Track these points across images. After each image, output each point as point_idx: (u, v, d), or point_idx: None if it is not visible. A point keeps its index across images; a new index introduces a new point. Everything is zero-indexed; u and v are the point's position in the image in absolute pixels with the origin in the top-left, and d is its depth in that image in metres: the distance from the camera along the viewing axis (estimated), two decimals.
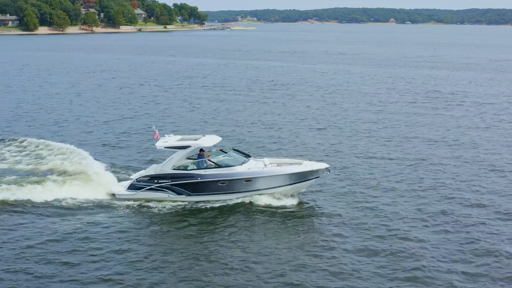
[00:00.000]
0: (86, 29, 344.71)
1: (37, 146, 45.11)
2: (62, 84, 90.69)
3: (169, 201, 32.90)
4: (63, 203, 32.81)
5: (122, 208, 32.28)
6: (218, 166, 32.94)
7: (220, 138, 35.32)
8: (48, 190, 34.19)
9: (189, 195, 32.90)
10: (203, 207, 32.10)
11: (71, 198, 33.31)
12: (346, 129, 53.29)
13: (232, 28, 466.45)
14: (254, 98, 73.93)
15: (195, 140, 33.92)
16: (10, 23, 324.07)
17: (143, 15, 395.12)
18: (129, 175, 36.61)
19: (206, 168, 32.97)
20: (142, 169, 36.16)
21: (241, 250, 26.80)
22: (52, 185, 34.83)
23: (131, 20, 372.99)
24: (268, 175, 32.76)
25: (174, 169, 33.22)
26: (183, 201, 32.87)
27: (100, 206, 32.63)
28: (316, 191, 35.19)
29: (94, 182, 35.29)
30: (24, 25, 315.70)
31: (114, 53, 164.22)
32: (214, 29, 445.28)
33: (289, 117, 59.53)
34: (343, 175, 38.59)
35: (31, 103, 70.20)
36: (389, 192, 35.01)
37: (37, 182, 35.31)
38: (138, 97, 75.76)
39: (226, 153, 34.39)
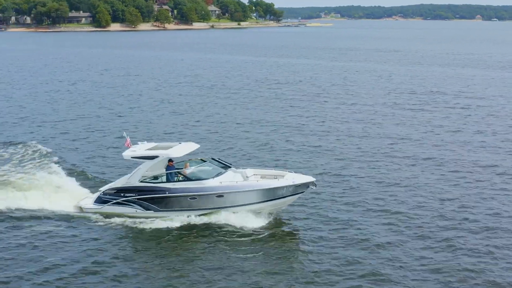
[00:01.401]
0: (158, 26, 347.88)
1: (14, 150, 44.38)
2: (78, 83, 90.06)
3: (137, 216, 29.98)
4: (26, 215, 30.77)
5: (85, 223, 29.87)
6: (188, 179, 29.82)
7: (198, 146, 32.61)
8: (14, 200, 32.33)
9: (157, 210, 29.97)
10: (171, 224, 29.17)
11: (36, 210, 31.26)
12: (346, 137, 48.67)
13: (307, 25, 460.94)
14: (255, 99, 70.29)
15: (167, 149, 31.13)
16: (83, 20, 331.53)
17: (217, 12, 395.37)
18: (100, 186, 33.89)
19: (176, 181, 30.01)
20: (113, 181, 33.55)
21: (211, 272, 24.48)
22: (18, 195, 32.92)
23: (204, 17, 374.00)
24: (243, 190, 29.30)
25: (141, 181, 30.41)
26: (151, 218, 29.81)
27: (64, 219, 30.32)
28: (299, 206, 31.70)
29: (63, 193, 33.18)
30: (97, 22, 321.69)
31: (156, 50, 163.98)
32: (289, 25, 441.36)
33: (288, 121, 55.50)
34: (339, 188, 35.15)
35: (25, 103, 69.07)
36: (375, 212, 31.26)
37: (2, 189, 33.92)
38: (132, 97, 73.72)
39: (205, 162, 31.46)
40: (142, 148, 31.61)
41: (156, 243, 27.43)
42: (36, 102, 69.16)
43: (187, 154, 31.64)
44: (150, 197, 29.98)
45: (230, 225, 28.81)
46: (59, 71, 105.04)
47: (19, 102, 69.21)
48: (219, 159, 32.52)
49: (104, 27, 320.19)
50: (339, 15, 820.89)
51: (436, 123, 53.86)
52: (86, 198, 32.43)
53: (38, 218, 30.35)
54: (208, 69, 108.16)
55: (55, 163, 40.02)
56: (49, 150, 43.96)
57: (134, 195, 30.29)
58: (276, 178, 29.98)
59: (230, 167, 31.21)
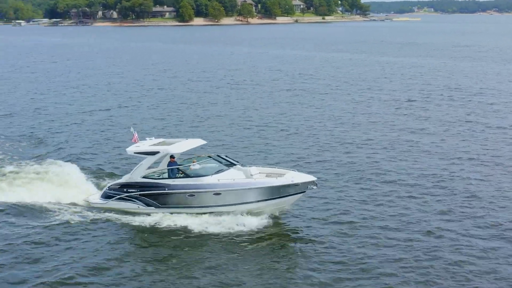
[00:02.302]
0: (241, 20, 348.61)
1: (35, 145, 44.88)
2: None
3: (139, 212, 29.83)
4: (35, 208, 30.85)
5: (89, 217, 29.72)
6: (187, 175, 29.38)
7: (204, 142, 32.41)
8: (22, 193, 32.55)
9: (158, 207, 29.74)
10: (169, 222, 28.49)
11: (45, 203, 31.27)
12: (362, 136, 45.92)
13: (393, 20, 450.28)
14: (280, 94, 67.69)
15: (169, 145, 30.95)
16: (167, 14, 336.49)
17: (301, 6, 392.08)
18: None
19: (177, 177, 29.57)
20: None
21: (206, 273, 23.64)
22: (28, 188, 33.20)
23: (288, 11, 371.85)
24: (239, 188, 28.52)
25: (143, 177, 30.33)
26: (152, 214, 29.58)
27: (69, 212, 30.23)
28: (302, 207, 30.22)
29: (74, 188, 33.13)
30: (180, 16, 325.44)
31: (228, 45, 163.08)
32: (374, 20, 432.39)
33: (306, 118, 53.27)
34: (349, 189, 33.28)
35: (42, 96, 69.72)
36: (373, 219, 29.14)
37: (13, 180, 34.43)
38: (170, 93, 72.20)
39: (209, 159, 30.86)
40: (146, 144, 31.23)
41: (153, 241, 26.82)
42: (62, 96, 69.38)
43: (189, 150, 31.30)
44: (151, 193, 29.71)
45: (227, 225, 27.78)
46: (109, 66, 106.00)
47: (40, 95, 69.74)
48: (226, 156, 31.48)
49: (187, 21, 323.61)
50: (432, 10, 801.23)
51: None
52: (96, 193, 32.25)
53: (44, 211, 30.19)
54: (254, 63, 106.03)
55: (69, 157, 40.00)
56: (64, 144, 44.16)
57: (136, 190, 30.09)
58: (272, 177, 28.81)
59: (235, 164, 30.15)
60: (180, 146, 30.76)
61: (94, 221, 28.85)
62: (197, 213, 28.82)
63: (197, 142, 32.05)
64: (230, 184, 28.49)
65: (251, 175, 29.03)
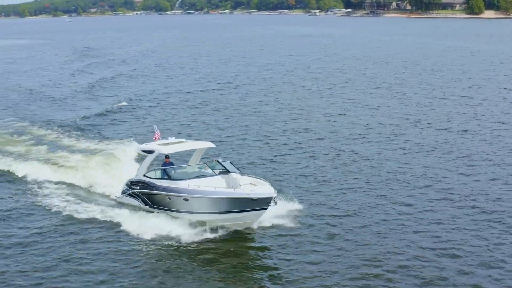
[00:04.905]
0: None
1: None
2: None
3: (141, 209, 30.53)
4: (78, 196, 33.29)
5: (105, 210, 31.04)
6: (169, 177, 29.56)
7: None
8: (71, 177, 35.97)
9: (151, 206, 30.23)
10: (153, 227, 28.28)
11: (83, 193, 33.94)
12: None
13: None
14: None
15: (165, 144, 31.64)
16: (457, 6, 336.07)
17: None
18: None
19: (162, 178, 29.94)
20: None
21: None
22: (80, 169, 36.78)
23: None
24: (201, 196, 27.55)
25: (144, 175, 30.98)
26: (149, 212, 30.21)
27: (93, 203, 32.10)
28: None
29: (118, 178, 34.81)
30: (470, 8, 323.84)
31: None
32: None
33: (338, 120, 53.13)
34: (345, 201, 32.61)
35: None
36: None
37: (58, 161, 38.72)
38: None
39: (207, 164, 30.91)
40: (156, 143, 32.11)
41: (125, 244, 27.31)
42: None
43: (185, 152, 33.06)
44: (145, 192, 30.28)
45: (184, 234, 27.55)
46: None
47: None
48: (231, 162, 30.66)
49: (477, 13, 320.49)
50: None
51: None
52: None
53: (77, 202, 32.23)
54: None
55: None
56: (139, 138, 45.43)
57: (138, 188, 30.74)
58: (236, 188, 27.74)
59: (230, 172, 28.86)
60: (172, 147, 30.86)
61: (92, 218, 29.86)
62: (173, 217, 28.78)
63: (199, 144, 32.39)
64: (195, 191, 27.63)
65: (239, 184, 27.36)
